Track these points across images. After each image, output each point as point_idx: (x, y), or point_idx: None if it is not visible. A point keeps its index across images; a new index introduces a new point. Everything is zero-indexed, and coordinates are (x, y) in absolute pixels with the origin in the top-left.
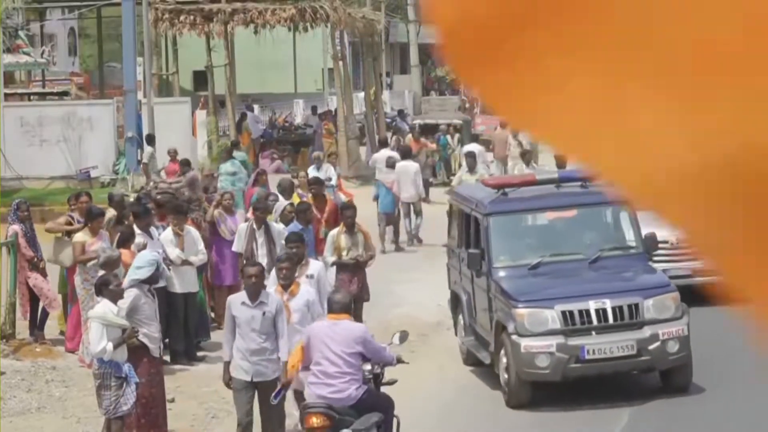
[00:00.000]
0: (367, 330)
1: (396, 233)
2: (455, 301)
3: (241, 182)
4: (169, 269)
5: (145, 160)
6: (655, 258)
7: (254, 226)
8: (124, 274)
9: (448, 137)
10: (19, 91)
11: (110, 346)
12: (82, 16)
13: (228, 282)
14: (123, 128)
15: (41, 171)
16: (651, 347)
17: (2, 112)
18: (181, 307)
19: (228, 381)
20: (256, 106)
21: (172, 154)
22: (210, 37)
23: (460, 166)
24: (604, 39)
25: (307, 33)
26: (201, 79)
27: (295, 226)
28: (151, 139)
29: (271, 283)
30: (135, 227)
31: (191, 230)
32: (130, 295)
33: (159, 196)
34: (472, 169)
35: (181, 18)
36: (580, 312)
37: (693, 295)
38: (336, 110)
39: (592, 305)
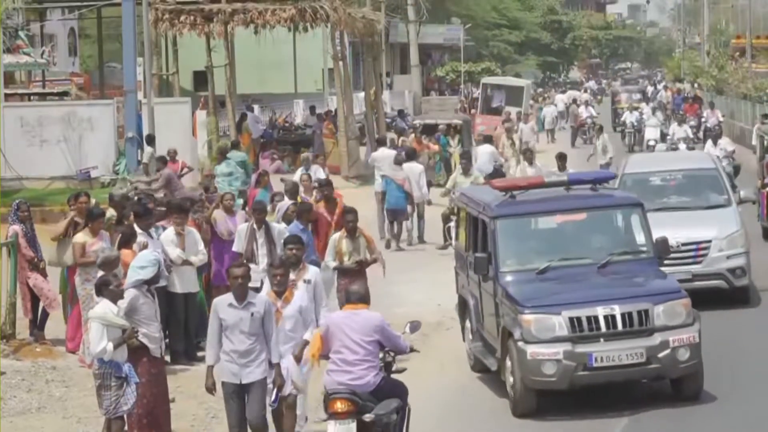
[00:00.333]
0: (384, 319)
1: (399, 231)
2: (463, 306)
3: (237, 182)
4: (169, 270)
5: (145, 161)
6: None
7: (255, 226)
8: (123, 274)
9: (448, 138)
10: (20, 91)
11: (110, 346)
12: (82, 16)
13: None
14: (123, 128)
15: (41, 171)
16: (661, 355)
17: (2, 113)
18: (181, 307)
19: (211, 386)
20: (256, 107)
21: (172, 154)
22: (210, 37)
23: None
24: None
25: (307, 33)
26: (201, 79)
27: (296, 225)
28: (151, 140)
29: (266, 289)
30: (136, 227)
31: (192, 230)
32: (128, 295)
33: (137, 198)
34: (466, 171)
35: (181, 18)
36: (588, 318)
37: (693, 297)
38: (336, 110)
39: (600, 311)
